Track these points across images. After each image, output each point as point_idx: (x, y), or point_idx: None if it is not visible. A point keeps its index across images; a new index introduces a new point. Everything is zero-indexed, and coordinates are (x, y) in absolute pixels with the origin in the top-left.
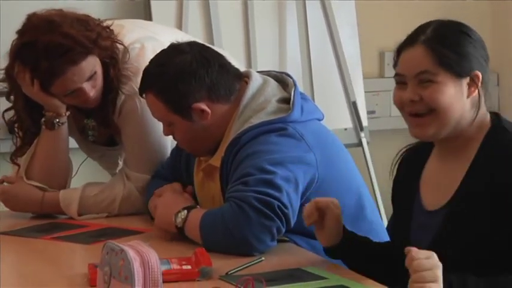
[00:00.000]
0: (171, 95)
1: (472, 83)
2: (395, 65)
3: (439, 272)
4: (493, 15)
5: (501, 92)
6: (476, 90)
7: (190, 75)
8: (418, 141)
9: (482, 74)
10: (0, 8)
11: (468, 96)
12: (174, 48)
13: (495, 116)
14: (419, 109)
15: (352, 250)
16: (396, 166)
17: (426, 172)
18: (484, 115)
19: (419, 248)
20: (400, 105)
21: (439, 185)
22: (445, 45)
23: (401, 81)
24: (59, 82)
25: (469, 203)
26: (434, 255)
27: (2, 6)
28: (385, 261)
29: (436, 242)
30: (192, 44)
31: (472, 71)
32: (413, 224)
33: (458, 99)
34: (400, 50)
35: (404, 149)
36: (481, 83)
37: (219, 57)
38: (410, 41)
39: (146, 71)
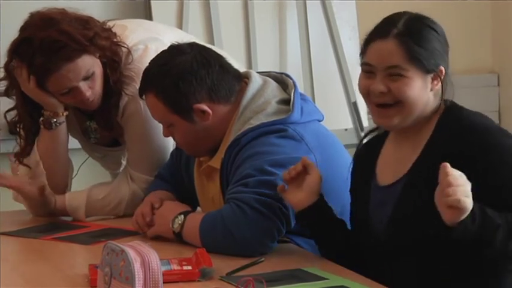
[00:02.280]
0: (172, 95)
1: (436, 76)
2: (362, 54)
3: (469, 189)
4: (494, 15)
5: (501, 92)
6: (440, 83)
7: (191, 75)
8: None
9: (445, 68)
10: (0, 8)
11: (432, 90)
12: (175, 49)
13: (449, 101)
14: (387, 100)
15: (320, 217)
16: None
17: (382, 154)
18: (438, 101)
19: (378, 224)
20: (367, 94)
21: (393, 163)
22: (416, 41)
23: (369, 70)
24: (54, 78)
25: (427, 174)
26: (464, 175)
27: (2, 6)
28: (347, 245)
29: (393, 216)
30: (193, 45)
31: (438, 67)
32: (371, 203)
33: (423, 93)
34: (370, 40)
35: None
36: (444, 76)
37: (220, 58)
38: (383, 33)
39: (147, 71)
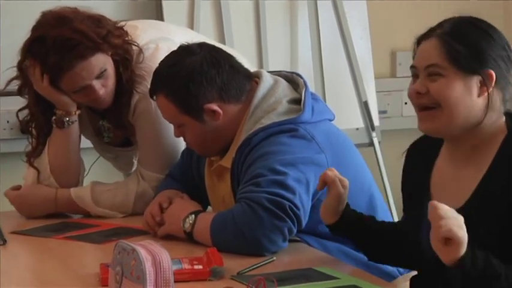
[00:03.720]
0: (183, 96)
1: (484, 82)
2: (413, 58)
3: (463, 223)
4: (506, 15)
5: None
6: (492, 87)
7: (201, 76)
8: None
9: (497, 74)
10: (0, 8)
11: (479, 96)
12: (185, 50)
13: (509, 118)
14: (426, 102)
15: (352, 230)
16: (405, 156)
17: (437, 173)
18: (499, 117)
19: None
20: (411, 98)
21: (452, 188)
22: (458, 40)
23: (414, 73)
24: (68, 77)
25: (486, 206)
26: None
27: (2, 6)
28: (388, 240)
29: None
30: (202, 45)
31: (484, 70)
32: (425, 225)
33: (466, 96)
34: (419, 41)
35: (413, 143)
36: (495, 83)
37: (229, 57)
38: (428, 33)
39: (157, 72)
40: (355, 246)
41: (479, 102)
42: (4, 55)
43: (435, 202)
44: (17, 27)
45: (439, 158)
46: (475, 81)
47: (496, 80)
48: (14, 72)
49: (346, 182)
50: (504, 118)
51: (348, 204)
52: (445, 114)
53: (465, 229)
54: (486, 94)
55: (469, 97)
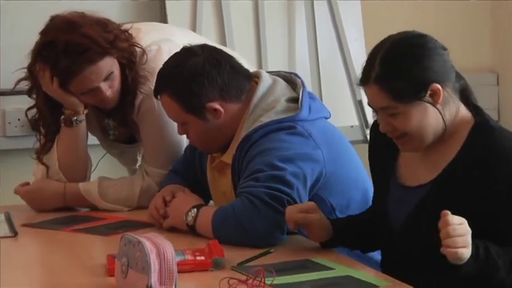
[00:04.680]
0: (186, 95)
1: (435, 92)
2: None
3: (469, 237)
4: (493, 15)
5: (501, 91)
6: (442, 95)
7: (203, 76)
8: None
9: (441, 79)
10: (0, 8)
11: (436, 104)
12: (187, 51)
13: (474, 109)
14: (397, 134)
15: (344, 238)
16: (370, 132)
17: (404, 154)
18: (457, 106)
19: (396, 220)
20: (382, 132)
21: (419, 167)
22: (394, 78)
23: (374, 110)
24: (77, 80)
25: (452, 185)
26: (466, 222)
27: (2, 6)
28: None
29: (412, 216)
30: (204, 47)
31: (429, 85)
32: (390, 198)
33: (426, 116)
34: (360, 84)
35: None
36: (442, 86)
37: (230, 58)
38: (364, 79)
39: (161, 73)
40: (350, 249)
41: (438, 109)
42: (4, 55)
43: (447, 213)
44: (18, 27)
45: None
46: (426, 100)
47: (442, 84)
48: (21, 72)
49: (313, 204)
50: (464, 106)
51: (328, 218)
52: (415, 138)
53: (469, 245)
54: (441, 98)
55: (429, 114)
